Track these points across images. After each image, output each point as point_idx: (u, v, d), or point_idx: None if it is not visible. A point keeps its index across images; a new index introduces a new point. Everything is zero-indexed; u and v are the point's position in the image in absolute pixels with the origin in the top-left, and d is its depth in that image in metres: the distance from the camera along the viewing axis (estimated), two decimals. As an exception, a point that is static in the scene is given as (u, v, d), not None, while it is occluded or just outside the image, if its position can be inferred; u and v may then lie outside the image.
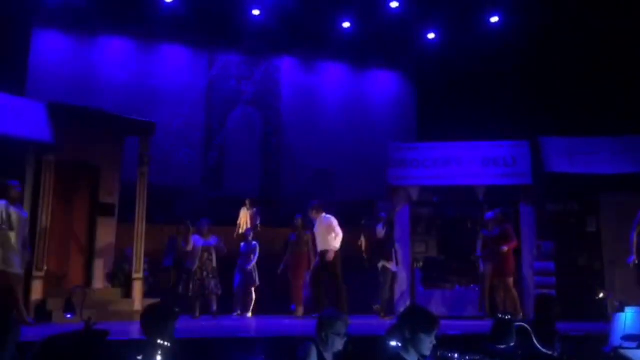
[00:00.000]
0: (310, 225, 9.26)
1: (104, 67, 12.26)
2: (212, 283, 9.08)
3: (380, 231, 9.42)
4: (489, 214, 9.27)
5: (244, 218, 10.42)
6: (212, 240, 9.25)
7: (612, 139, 9.57)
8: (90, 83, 11.92)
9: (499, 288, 8.94)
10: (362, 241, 10.19)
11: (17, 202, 7.23)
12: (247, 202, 10.50)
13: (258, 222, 10.45)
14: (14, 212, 7.09)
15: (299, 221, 9.64)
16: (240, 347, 5.79)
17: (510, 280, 8.81)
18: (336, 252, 8.19)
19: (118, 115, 8.99)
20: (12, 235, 7.06)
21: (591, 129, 9.70)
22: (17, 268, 7.05)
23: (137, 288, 8.46)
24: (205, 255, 9.09)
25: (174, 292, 9.16)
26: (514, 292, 8.77)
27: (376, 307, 9.15)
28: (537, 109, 11.57)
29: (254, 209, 10.47)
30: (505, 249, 8.74)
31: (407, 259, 9.71)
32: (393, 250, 9.36)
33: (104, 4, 11.65)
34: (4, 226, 6.99)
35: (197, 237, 9.11)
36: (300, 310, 9.31)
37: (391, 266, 9.28)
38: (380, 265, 9.30)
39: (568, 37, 11.47)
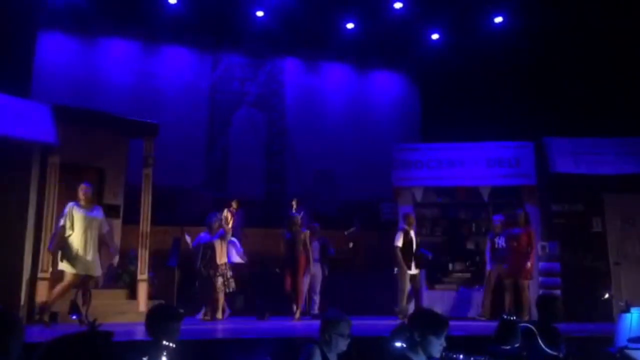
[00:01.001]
0: (305, 223, 9.32)
1: (109, 68, 12.32)
2: (219, 281, 8.57)
3: (398, 240, 9.02)
4: (505, 215, 9.33)
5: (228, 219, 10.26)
6: (216, 235, 8.74)
7: (616, 140, 9.55)
8: (94, 85, 11.97)
9: (509, 288, 8.93)
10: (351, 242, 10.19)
11: (90, 203, 7.39)
12: (233, 203, 10.22)
13: (242, 224, 10.31)
14: (78, 213, 7.26)
15: (295, 219, 9.21)
16: (243, 349, 5.78)
17: (527, 282, 8.83)
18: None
19: (122, 117, 8.99)
20: (74, 237, 7.23)
21: (595, 129, 9.67)
22: (76, 268, 7.22)
23: (142, 289, 8.45)
24: (209, 252, 8.65)
25: (180, 293, 9.12)
26: (527, 293, 8.76)
27: (397, 309, 8.81)
28: (541, 109, 11.53)
29: (239, 211, 10.27)
30: (529, 265, 8.76)
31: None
32: (413, 257, 9.07)
33: (108, 6, 11.69)
34: (65, 227, 7.16)
35: (204, 234, 8.81)
36: (298, 312, 8.95)
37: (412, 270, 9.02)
38: (396, 270, 9.07)
39: (571, 37, 11.43)
